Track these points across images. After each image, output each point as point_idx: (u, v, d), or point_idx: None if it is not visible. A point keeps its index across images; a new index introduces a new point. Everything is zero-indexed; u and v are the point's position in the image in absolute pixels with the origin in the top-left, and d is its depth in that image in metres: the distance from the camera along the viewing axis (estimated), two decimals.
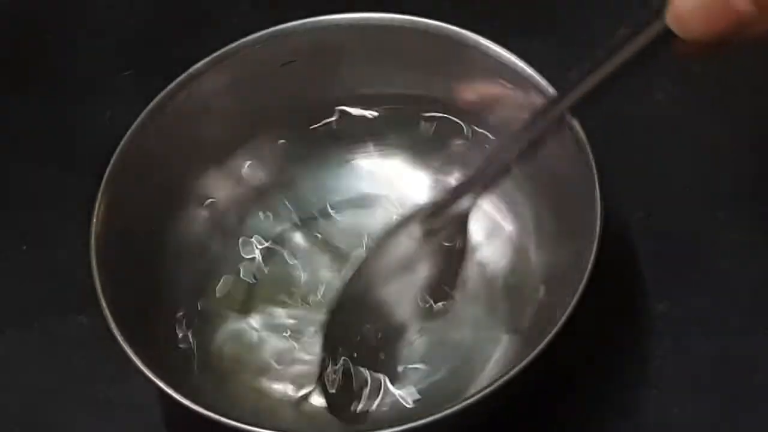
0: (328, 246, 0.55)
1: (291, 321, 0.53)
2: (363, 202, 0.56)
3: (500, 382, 0.43)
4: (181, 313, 0.52)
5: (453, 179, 0.54)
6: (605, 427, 0.50)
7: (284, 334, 0.53)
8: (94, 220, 0.48)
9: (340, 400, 0.50)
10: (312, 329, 0.52)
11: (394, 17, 0.53)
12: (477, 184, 0.48)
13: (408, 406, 0.50)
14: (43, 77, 0.64)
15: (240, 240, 0.55)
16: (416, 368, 0.51)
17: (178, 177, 0.53)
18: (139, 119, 0.51)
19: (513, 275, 0.53)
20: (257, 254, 0.55)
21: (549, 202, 0.52)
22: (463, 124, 0.54)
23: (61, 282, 0.56)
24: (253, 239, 0.55)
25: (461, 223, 0.49)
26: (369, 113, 0.56)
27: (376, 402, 0.50)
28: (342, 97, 0.55)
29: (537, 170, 0.52)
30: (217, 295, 0.53)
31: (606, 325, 0.51)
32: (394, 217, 0.55)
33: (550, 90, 0.49)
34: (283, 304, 0.53)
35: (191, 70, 0.52)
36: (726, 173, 0.56)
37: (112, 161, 0.50)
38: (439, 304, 0.51)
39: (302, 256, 0.55)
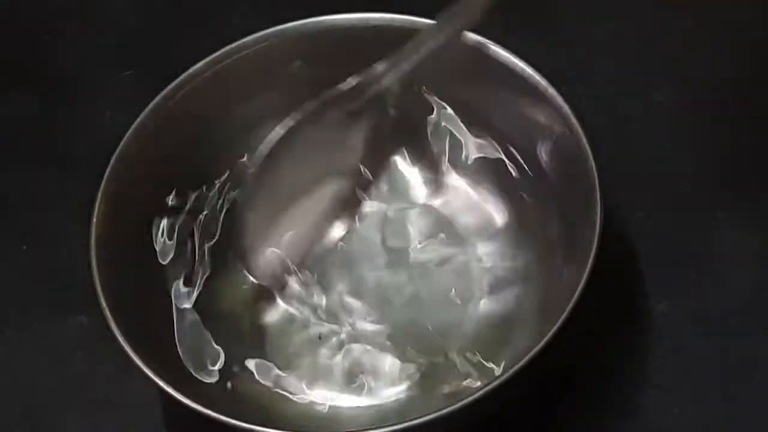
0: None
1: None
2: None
3: (500, 381, 0.43)
4: (182, 312, 0.52)
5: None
6: (605, 427, 0.50)
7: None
8: (94, 220, 0.48)
9: None
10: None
11: (394, 17, 0.53)
12: (398, 65, 0.49)
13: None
14: (43, 77, 0.64)
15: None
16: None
17: (178, 177, 0.53)
18: (139, 119, 0.51)
19: (512, 275, 0.53)
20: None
21: (549, 202, 0.52)
22: (463, 124, 0.54)
23: (61, 282, 0.56)
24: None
25: (381, 103, 0.49)
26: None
27: None
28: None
29: (537, 170, 0.52)
30: (218, 293, 0.54)
31: (606, 325, 0.51)
32: None
33: (550, 90, 0.49)
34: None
35: (191, 70, 0.52)
36: (726, 173, 0.56)
37: (112, 161, 0.50)
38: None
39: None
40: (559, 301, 0.45)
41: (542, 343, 0.43)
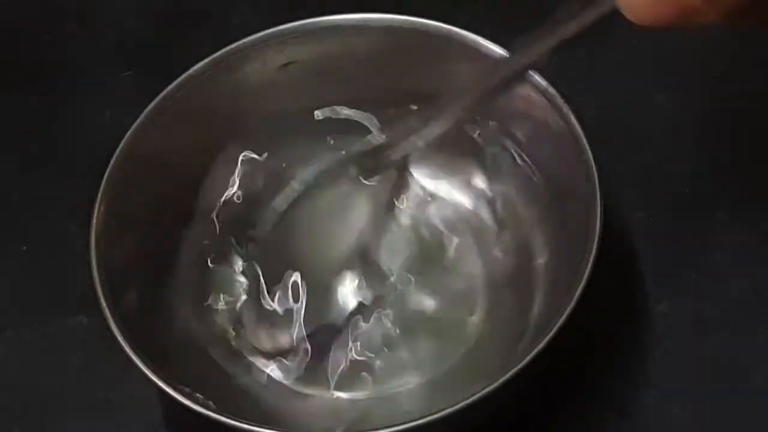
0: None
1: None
2: None
3: (500, 382, 0.43)
4: (181, 312, 0.52)
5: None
6: (605, 427, 0.50)
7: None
8: (94, 220, 0.48)
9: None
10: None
11: (394, 17, 0.53)
12: (421, 131, 0.48)
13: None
14: (43, 77, 0.64)
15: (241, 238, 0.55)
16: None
17: (178, 177, 0.53)
18: (139, 119, 0.51)
19: (513, 275, 0.53)
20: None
21: (549, 202, 0.52)
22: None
23: (61, 282, 0.56)
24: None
25: (400, 168, 0.49)
26: (369, 114, 0.56)
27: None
28: (342, 97, 0.55)
29: (537, 170, 0.52)
30: (218, 294, 0.54)
31: (606, 325, 0.51)
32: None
33: (550, 90, 0.49)
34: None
35: (191, 70, 0.52)
36: (726, 173, 0.56)
37: (112, 161, 0.50)
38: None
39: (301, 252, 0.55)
40: (559, 301, 0.45)
41: (542, 343, 0.43)
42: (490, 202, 0.55)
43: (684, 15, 0.37)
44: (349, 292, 0.52)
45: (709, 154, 0.57)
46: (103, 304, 0.46)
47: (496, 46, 0.51)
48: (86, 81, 0.64)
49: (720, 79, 0.58)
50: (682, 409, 0.50)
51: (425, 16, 0.52)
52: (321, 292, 0.51)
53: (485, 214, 0.55)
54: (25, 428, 0.53)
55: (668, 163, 0.57)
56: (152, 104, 0.52)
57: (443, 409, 0.42)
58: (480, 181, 0.55)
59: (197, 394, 0.45)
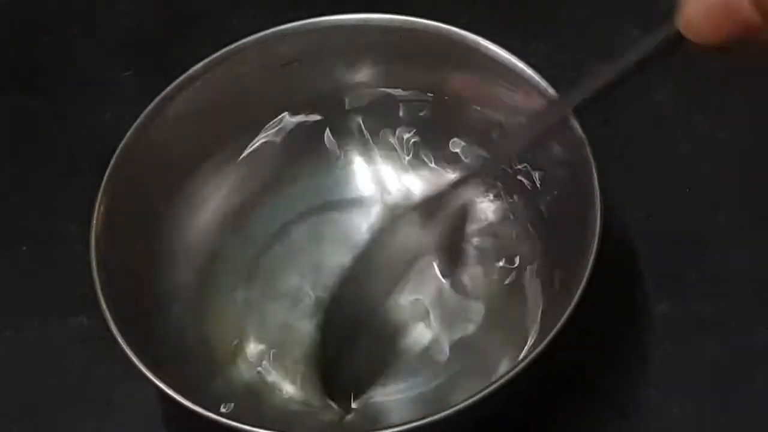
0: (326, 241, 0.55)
1: (290, 317, 0.53)
2: (361, 201, 0.56)
3: (501, 382, 0.43)
4: (181, 313, 0.52)
5: (451, 175, 0.54)
6: (605, 427, 0.50)
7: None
8: (94, 220, 0.48)
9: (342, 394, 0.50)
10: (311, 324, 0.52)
11: (393, 17, 0.53)
12: (477, 177, 0.49)
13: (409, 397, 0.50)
14: (43, 77, 0.64)
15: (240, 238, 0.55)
16: (418, 367, 0.51)
17: (178, 177, 0.53)
18: (139, 119, 0.51)
19: (513, 275, 0.53)
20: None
21: (549, 202, 0.52)
22: (462, 124, 0.54)
23: (61, 282, 0.56)
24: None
25: (461, 214, 0.49)
26: (369, 113, 0.56)
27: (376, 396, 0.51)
28: (342, 97, 0.55)
29: (537, 170, 0.52)
30: (218, 293, 0.54)
31: (606, 325, 0.51)
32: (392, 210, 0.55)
33: (550, 90, 0.49)
34: (281, 301, 0.54)
35: (191, 70, 0.52)
36: (726, 173, 0.56)
37: (112, 161, 0.50)
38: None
39: (301, 252, 0.55)
40: (559, 302, 0.45)
41: (543, 344, 0.43)
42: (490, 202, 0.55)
43: (744, 31, 0.37)
44: None
45: (709, 154, 0.57)
46: (103, 304, 0.46)
47: (496, 46, 0.51)
48: (86, 81, 0.64)
49: (720, 79, 0.58)
50: (682, 409, 0.50)
51: (425, 17, 0.52)
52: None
53: (484, 215, 0.55)
54: (25, 428, 0.53)
55: (668, 163, 0.57)
56: (152, 104, 0.52)
57: (444, 409, 0.42)
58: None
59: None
